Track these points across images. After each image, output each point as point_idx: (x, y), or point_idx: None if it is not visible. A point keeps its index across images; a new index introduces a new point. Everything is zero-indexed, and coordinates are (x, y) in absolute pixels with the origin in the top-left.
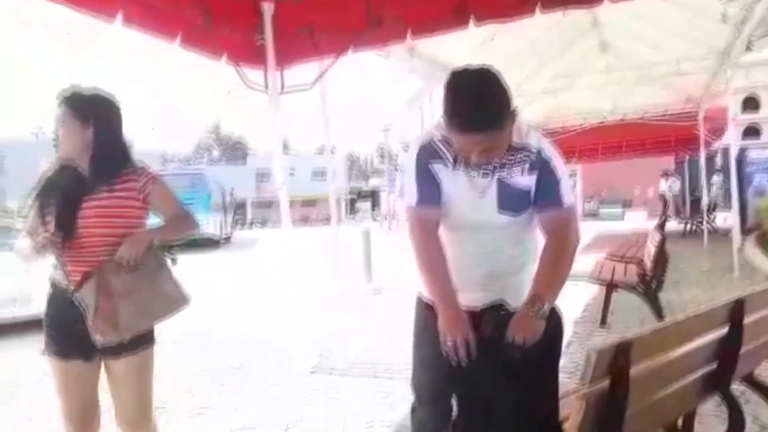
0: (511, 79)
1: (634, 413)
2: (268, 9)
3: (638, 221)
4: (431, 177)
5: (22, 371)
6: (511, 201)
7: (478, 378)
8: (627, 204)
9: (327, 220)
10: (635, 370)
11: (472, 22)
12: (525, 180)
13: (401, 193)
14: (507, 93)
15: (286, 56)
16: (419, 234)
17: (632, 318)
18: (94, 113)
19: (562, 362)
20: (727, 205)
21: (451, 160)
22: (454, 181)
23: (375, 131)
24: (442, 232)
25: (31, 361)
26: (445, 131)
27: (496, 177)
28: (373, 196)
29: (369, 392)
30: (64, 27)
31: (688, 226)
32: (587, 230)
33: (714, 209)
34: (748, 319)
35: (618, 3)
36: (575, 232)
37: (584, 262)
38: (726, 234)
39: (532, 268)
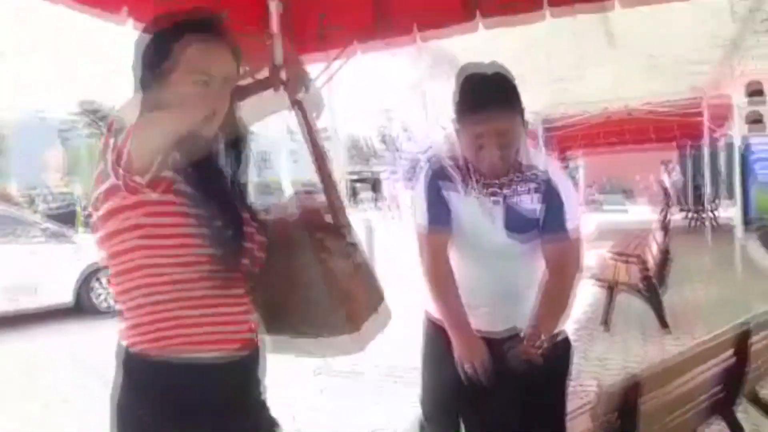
0: (516, 71)
1: None
2: (276, 7)
3: (643, 214)
4: (442, 201)
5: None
6: (519, 224)
7: (488, 402)
8: (628, 193)
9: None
10: (643, 403)
11: (480, 23)
12: (533, 205)
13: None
14: (517, 87)
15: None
16: (429, 257)
17: (634, 319)
18: None
19: None
20: (730, 198)
21: (459, 180)
22: (465, 206)
23: (376, 114)
24: (455, 257)
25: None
26: (454, 147)
27: (504, 201)
28: (375, 182)
29: (374, 396)
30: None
31: (693, 222)
32: (590, 222)
33: (716, 201)
34: (753, 343)
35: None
36: (577, 263)
37: (587, 256)
38: (729, 230)
39: None
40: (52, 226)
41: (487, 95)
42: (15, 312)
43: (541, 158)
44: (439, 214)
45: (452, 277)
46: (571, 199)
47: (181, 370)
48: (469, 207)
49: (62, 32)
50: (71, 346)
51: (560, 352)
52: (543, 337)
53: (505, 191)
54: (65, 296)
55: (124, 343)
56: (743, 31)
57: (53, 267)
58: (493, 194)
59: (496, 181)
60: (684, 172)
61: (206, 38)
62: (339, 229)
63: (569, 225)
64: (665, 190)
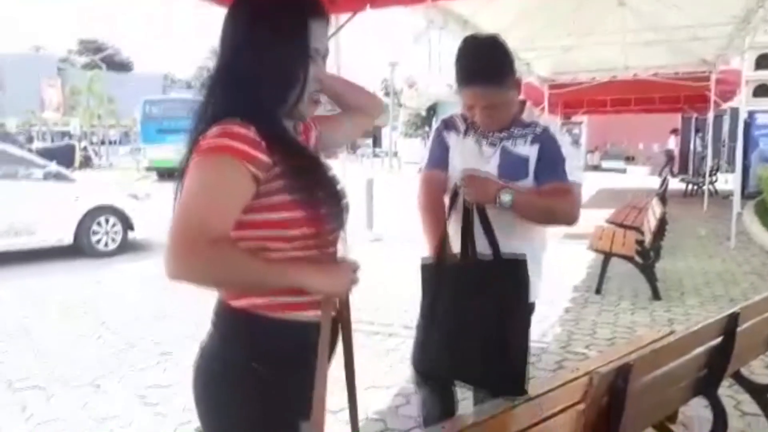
0: (523, 33)
1: (626, 420)
2: None
3: (640, 176)
4: (443, 144)
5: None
6: (509, 168)
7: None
8: (630, 159)
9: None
10: (632, 387)
11: None
12: (526, 149)
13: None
14: (509, 57)
15: None
16: (424, 193)
17: (626, 285)
18: None
19: (557, 331)
20: (731, 168)
21: (462, 128)
22: (462, 147)
23: (380, 66)
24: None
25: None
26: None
27: (501, 146)
28: (375, 133)
29: (368, 350)
30: None
31: (690, 186)
32: (590, 184)
33: (717, 171)
34: (740, 329)
35: None
36: (573, 206)
37: (585, 217)
38: (726, 197)
39: (540, 258)
40: (51, 164)
41: (473, 71)
42: (14, 250)
43: (544, 118)
44: (436, 156)
45: (443, 209)
46: (574, 157)
47: (289, 328)
48: (466, 147)
49: None
50: (68, 286)
51: (519, 275)
52: (508, 197)
53: (503, 141)
54: (65, 236)
55: (238, 304)
56: (754, 4)
57: (53, 206)
58: (492, 142)
59: (497, 133)
60: (685, 141)
61: (322, 17)
62: None
63: (571, 177)
64: (670, 157)
